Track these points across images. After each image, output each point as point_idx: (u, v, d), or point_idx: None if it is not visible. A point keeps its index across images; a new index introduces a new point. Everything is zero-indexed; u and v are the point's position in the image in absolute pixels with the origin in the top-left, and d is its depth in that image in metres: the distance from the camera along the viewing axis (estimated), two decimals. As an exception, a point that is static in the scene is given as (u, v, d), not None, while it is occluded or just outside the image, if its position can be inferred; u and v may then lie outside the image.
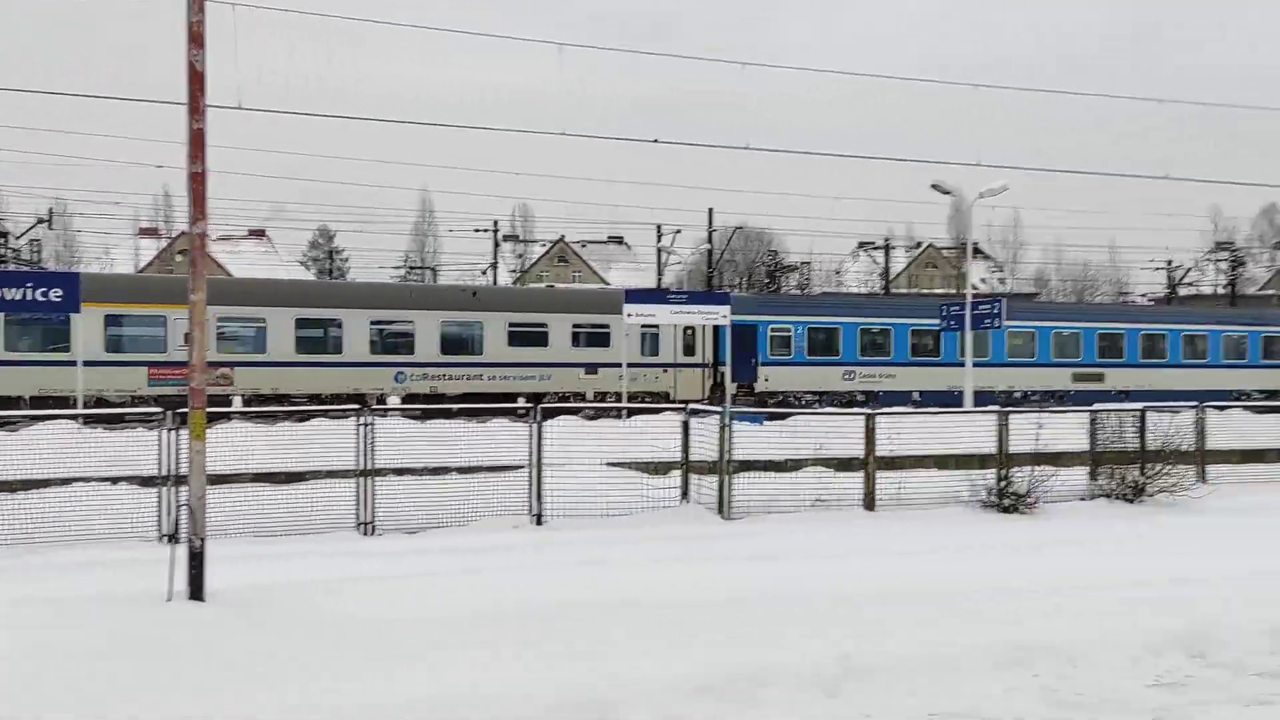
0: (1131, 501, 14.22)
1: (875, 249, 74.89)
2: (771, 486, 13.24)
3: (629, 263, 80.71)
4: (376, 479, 11.91)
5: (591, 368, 29.25)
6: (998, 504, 13.38)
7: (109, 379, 24.63)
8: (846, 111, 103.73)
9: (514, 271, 72.92)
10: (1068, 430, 15.27)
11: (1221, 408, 19.45)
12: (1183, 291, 68.98)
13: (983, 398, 26.44)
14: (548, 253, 78.49)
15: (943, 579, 8.71)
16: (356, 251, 77.00)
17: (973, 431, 14.95)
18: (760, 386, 31.79)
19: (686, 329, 30.38)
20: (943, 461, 15.00)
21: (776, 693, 5.77)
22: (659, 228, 56.46)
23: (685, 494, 13.42)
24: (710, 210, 53.70)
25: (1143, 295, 72.64)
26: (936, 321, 30.69)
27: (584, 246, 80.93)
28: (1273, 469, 17.47)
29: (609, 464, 13.79)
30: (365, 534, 11.60)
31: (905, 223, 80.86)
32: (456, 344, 28.93)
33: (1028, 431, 14.20)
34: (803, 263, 75.85)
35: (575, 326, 29.59)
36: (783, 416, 19.95)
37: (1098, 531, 11.87)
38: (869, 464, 13.68)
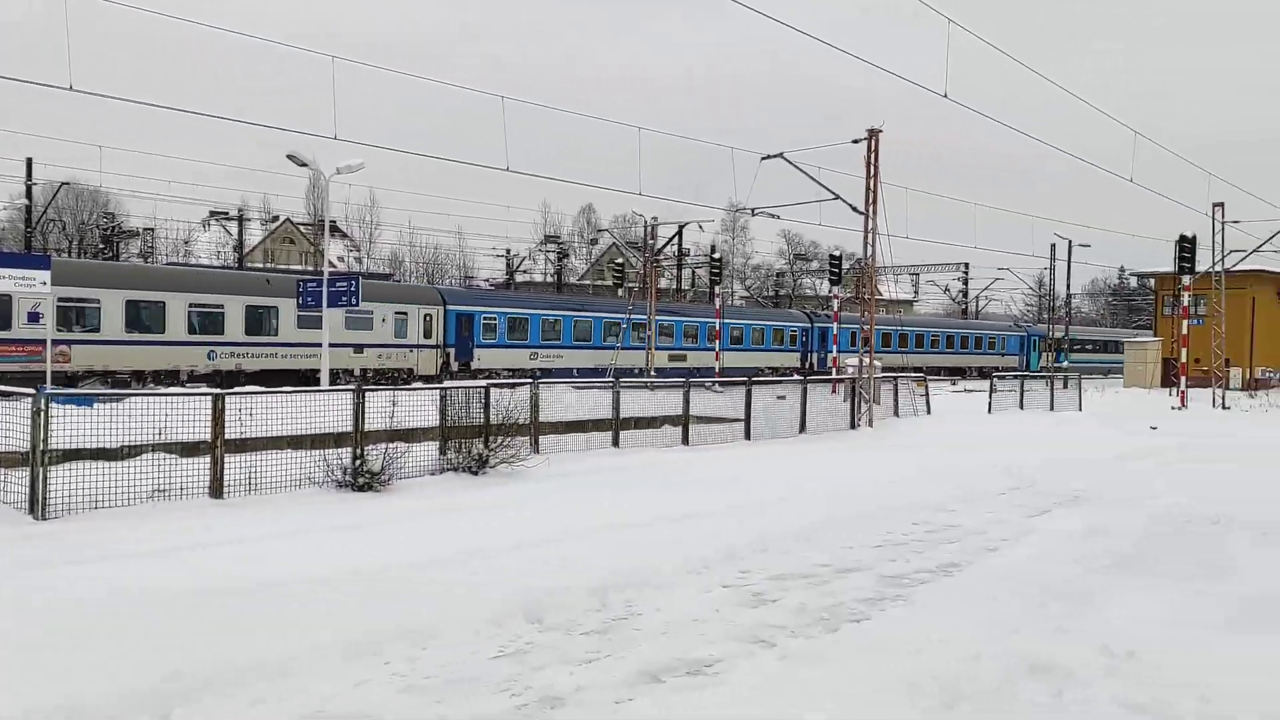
0: (477, 474, 14.99)
1: (229, 219, 71.29)
2: (103, 477, 11.60)
3: (-82, 213, 66.74)
4: None
5: (359, 348, 34.68)
6: (353, 483, 13.24)
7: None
8: (197, 65, 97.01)
9: None
10: (421, 407, 15.69)
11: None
12: (519, 278, 76.13)
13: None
14: None
15: (294, 567, 8.27)
16: None
17: (331, 410, 14.66)
18: (475, 364, 38.92)
19: (426, 315, 37.49)
20: (299, 441, 14.48)
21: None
22: (-42, 175, 47.51)
23: (-15, 493, 11.20)
24: (29, 160, 46.48)
25: (486, 280, 78.76)
26: (590, 314, 43.89)
27: None
28: (590, 436, 19.73)
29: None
30: None
31: (261, 194, 78.02)
32: (257, 326, 32.50)
33: (387, 409, 14.29)
34: (146, 229, 69.45)
35: (347, 313, 32.69)
36: (119, 398, 17.81)
37: (448, 505, 12.24)
38: (217, 447, 12.67)
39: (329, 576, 7.96)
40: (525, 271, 78.55)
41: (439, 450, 15.33)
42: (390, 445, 13.77)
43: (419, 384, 31.41)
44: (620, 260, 55.06)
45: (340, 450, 13.61)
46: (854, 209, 27.01)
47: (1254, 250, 42.20)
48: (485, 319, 39.70)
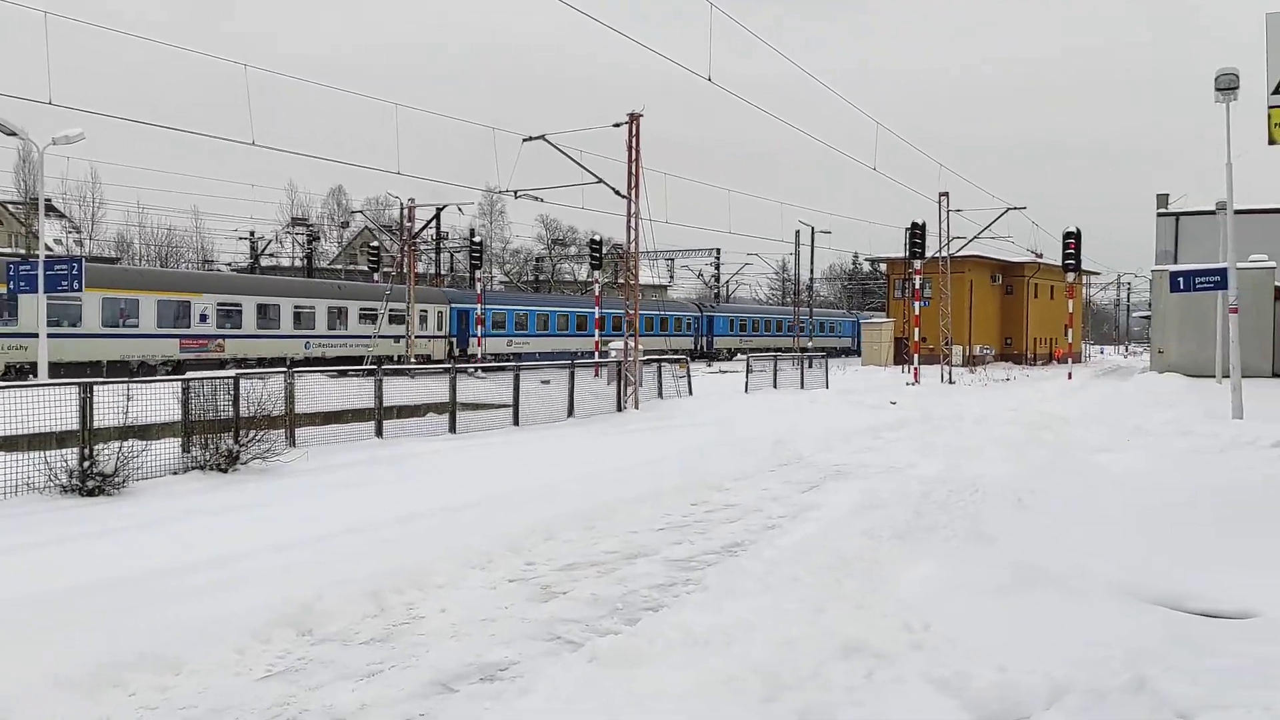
0: (226, 471, 13.82)
1: (-80, 195, 63.34)
2: None
3: None
4: None
5: (397, 338, 42.63)
6: (81, 487, 11.82)
7: (158, 347, 34.08)
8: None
9: None
10: (162, 401, 14.28)
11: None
12: (265, 262, 71.96)
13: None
14: None
15: (9, 586, 7.13)
16: None
17: (53, 406, 13.02)
18: (473, 350, 46.90)
19: (439, 312, 46.96)
20: (12, 443, 12.78)
21: None
22: None
23: None
24: None
25: (227, 264, 73.97)
26: (548, 308, 54.10)
27: None
28: (351, 427, 18.70)
29: None
30: None
31: (-38, 169, 69.55)
32: (334, 322, 40.93)
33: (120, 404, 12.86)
34: None
35: (390, 311, 42.31)
36: None
37: (194, 507, 11.13)
38: (-91, 453, 10.94)
39: (53, 595, 6.91)
40: (272, 255, 74.30)
41: (182, 447, 13.99)
42: (125, 443, 12.37)
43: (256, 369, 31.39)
44: (375, 244, 53.03)
45: (65, 451, 12.10)
46: (617, 193, 27.06)
47: (974, 237, 45.89)
48: (477, 314, 47.81)
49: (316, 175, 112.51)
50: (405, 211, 45.79)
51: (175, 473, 13.39)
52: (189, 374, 15.66)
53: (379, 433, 18.36)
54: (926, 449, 15.80)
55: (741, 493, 12.24)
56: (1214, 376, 35.08)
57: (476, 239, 46.32)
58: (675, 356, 32.95)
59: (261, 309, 38.25)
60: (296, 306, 39.74)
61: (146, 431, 13.63)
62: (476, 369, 28.94)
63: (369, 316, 42.31)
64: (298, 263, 74.81)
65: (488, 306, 49.42)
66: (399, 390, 21.17)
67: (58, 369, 28.52)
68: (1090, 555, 7.75)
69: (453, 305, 48.36)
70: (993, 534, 8.35)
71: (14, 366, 30.47)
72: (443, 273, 68.56)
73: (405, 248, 45.79)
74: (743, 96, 25.22)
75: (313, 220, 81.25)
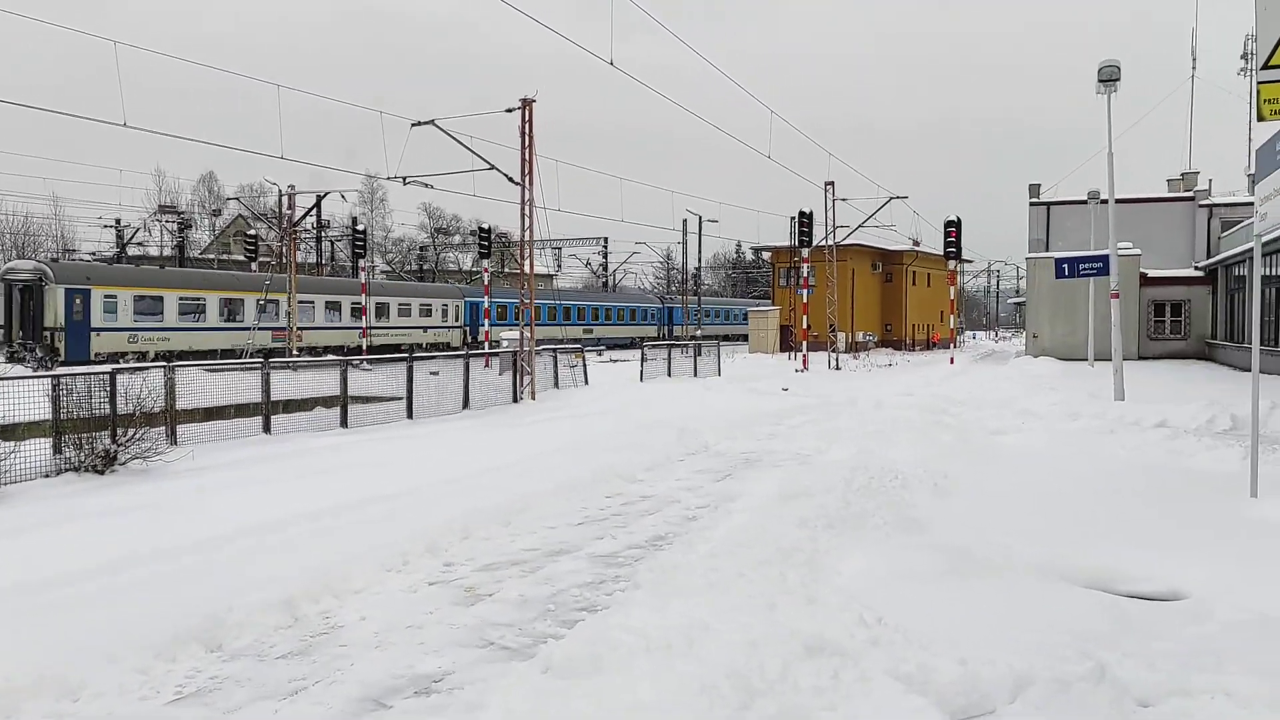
0: (103, 473, 12.94)
1: None
2: None
3: None
4: None
5: (424, 329, 51.30)
6: (-58, 494, 10.88)
7: (259, 339, 41.12)
8: None
9: None
10: (29, 398, 13.29)
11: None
12: (132, 251, 68.63)
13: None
14: None
15: None
16: None
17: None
18: (481, 337, 49.12)
19: (456, 306, 54.57)
20: None
21: None
22: None
23: None
24: None
25: (92, 254, 70.22)
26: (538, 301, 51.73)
27: None
28: (235, 424, 17.81)
29: None
30: None
31: None
32: (381, 314, 49.00)
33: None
34: None
35: (420, 304, 51.93)
36: None
37: (71, 511, 10.33)
38: None
39: (-77, 617, 6.23)
40: (140, 244, 70.87)
41: (54, 448, 13.03)
42: (-9, 444, 11.45)
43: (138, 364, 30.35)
44: (252, 232, 51.05)
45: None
46: (510, 179, 26.53)
47: (859, 226, 46.76)
48: (485, 306, 54.97)
49: (187, 160, 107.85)
50: (285, 199, 44.12)
51: (47, 476, 12.47)
52: (58, 370, 14.64)
53: (266, 428, 17.53)
54: (831, 435, 15.85)
55: (655, 483, 12.03)
56: (1085, 359, 36.58)
57: (360, 227, 45.00)
58: (572, 346, 32.56)
59: (329, 305, 45.86)
60: (353, 303, 46.88)
61: (12, 432, 12.68)
62: (362, 361, 28.05)
63: (406, 311, 50.89)
64: (168, 252, 71.48)
65: (494, 300, 55.74)
66: (286, 384, 20.33)
67: (188, 355, 37.07)
68: (1015, 538, 7.79)
69: (466, 299, 55.40)
70: (920, 519, 8.34)
71: (161, 354, 36.23)
72: (324, 262, 66.48)
73: (286, 236, 44.10)
74: (644, 81, 24.92)
75: (183, 208, 77.72)
